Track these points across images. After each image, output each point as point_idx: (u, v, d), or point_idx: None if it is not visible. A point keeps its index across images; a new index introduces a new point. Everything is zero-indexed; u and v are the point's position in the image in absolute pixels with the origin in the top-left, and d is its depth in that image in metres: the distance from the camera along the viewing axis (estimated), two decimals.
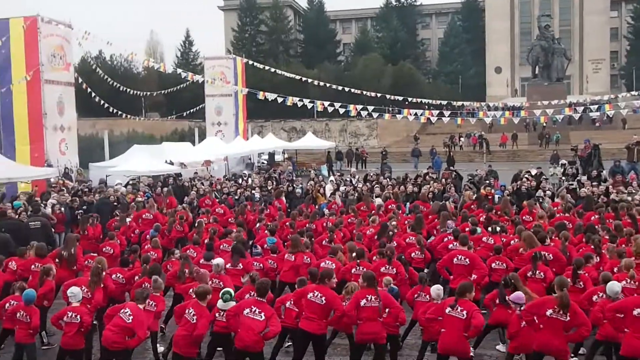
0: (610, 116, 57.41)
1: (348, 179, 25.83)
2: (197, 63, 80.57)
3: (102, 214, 17.59)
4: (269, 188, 23.79)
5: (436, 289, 9.34)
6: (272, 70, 43.01)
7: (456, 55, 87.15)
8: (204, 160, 30.46)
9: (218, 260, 10.69)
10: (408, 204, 19.69)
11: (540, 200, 18.80)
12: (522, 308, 8.48)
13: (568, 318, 8.01)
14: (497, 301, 9.49)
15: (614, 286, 8.73)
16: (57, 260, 11.96)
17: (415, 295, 9.94)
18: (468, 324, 8.19)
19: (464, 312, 8.25)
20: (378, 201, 19.88)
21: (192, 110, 49.34)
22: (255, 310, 8.42)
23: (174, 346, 8.45)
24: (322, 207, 19.71)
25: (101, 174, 25.01)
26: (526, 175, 23.47)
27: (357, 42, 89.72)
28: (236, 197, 21.38)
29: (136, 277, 10.63)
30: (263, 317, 8.37)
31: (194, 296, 8.74)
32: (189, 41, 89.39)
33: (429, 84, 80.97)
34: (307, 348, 8.97)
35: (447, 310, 8.39)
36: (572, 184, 21.73)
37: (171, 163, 26.59)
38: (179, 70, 36.10)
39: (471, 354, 8.86)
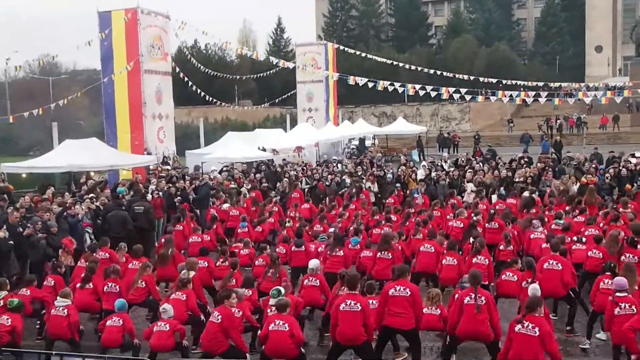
0: None
1: (439, 164, 25.50)
2: (289, 50, 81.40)
3: (203, 201, 18.37)
4: (359, 174, 23.89)
5: (533, 289, 9.15)
6: (363, 55, 42.89)
7: (554, 35, 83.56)
8: (295, 147, 30.86)
9: (314, 263, 10.83)
10: (502, 188, 19.27)
11: None
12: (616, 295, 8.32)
13: None
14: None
15: None
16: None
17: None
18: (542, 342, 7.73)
19: (536, 330, 7.74)
20: (470, 186, 19.60)
21: (283, 97, 50.06)
22: (350, 303, 8.59)
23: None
24: (414, 192, 19.59)
25: (197, 161, 25.86)
26: (629, 159, 22.38)
27: (449, 24, 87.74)
28: (327, 184, 21.62)
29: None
30: (360, 308, 8.54)
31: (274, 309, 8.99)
32: (281, 28, 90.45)
33: (525, 66, 78.20)
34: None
35: (516, 328, 7.87)
36: None
37: (264, 149, 27.11)
38: (271, 58, 36.69)
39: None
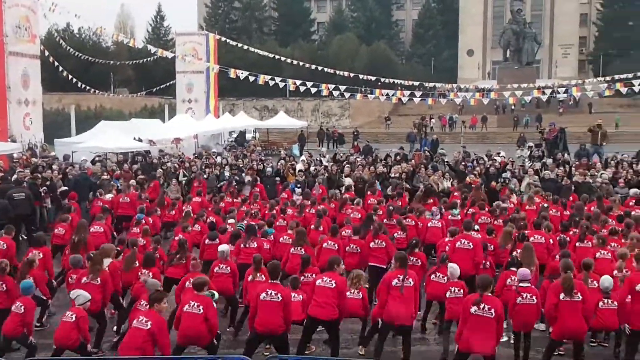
0: (577, 99, 58.14)
1: (318, 159, 25.81)
2: (169, 39, 79.32)
3: (80, 191, 17.46)
4: (240, 166, 23.67)
5: (451, 268, 9.63)
6: (245, 47, 42.58)
7: (430, 37, 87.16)
8: (173, 138, 30.16)
9: (224, 247, 10.67)
10: (379, 184, 19.78)
11: (507, 182, 19.03)
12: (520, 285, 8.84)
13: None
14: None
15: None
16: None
17: (432, 276, 10.20)
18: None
19: (492, 311, 8.00)
20: (347, 181, 19.98)
21: (162, 87, 48.68)
22: (271, 293, 8.48)
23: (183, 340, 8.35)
24: (292, 186, 19.69)
25: (67, 150, 24.60)
26: (495, 157, 23.74)
27: (331, 21, 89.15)
28: (205, 176, 21.17)
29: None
30: (280, 298, 8.43)
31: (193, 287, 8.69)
32: (161, 16, 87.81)
33: (403, 65, 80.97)
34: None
35: (472, 310, 8.06)
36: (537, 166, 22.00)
37: (140, 140, 26.28)
38: (149, 46, 35.55)
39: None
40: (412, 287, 8.85)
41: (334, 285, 8.79)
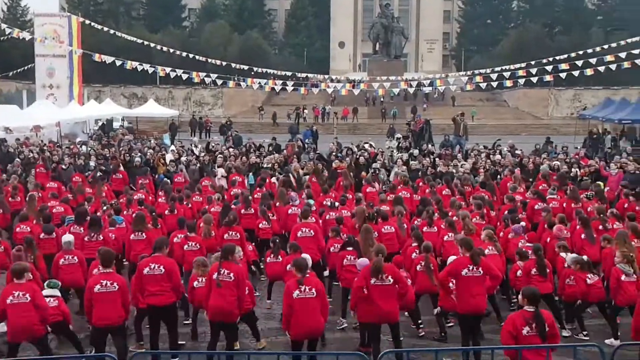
0: (442, 92, 61.09)
1: (190, 149, 25.31)
2: (27, 19, 74.28)
3: None
4: (107, 156, 22.69)
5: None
6: (112, 32, 40.80)
7: (303, 28, 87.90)
8: (32, 126, 28.43)
9: (69, 238, 10.32)
10: (251, 174, 19.74)
11: (377, 172, 19.61)
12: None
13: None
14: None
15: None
16: None
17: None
18: None
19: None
20: (220, 171, 19.74)
21: (20, 70, 45.55)
22: (106, 284, 8.15)
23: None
24: (161, 177, 19.17)
25: None
26: (364, 147, 24.43)
27: (203, 8, 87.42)
28: (64, 167, 19.97)
29: None
30: (117, 287, 8.12)
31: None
32: None
33: (276, 55, 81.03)
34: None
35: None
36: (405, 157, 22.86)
37: None
38: (3, 25, 33.04)
39: None
40: (232, 282, 8.46)
41: (163, 270, 8.62)
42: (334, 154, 23.11)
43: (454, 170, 19.80)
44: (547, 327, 7.13)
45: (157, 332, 8.80)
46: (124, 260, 12.27)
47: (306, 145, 27.70)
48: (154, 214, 12.98)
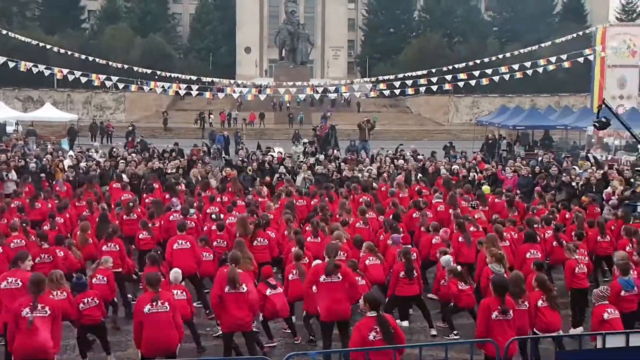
0: (348, 99, 62.11)
1: (90, 154, 24.49)
2: None
3: None
4: None
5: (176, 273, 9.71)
6: (4, 32, 38.78)
7: (208, 32, 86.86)
8: None
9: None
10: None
11: (282, 177, 19.69)
12: None
13: None
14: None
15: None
16: None
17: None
18: None
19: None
20: (123, 177, 19.21)
21: None
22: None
23: None
24: (59, 181, 18.44)
25: None
26: (271, 153, 24.49)
27: (103, 10, 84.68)
28: None
29: None
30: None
31: None
32: None
33: (180, 60, 79.61)
34: None
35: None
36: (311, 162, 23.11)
37: None
38: None
39: None
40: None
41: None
42: (240, 159, 23.02)
43: (360, 175, 20.18)
44: (392, 329, 7.10)
45: None
46: None
47: (212, 150, 27.44)
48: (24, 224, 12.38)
